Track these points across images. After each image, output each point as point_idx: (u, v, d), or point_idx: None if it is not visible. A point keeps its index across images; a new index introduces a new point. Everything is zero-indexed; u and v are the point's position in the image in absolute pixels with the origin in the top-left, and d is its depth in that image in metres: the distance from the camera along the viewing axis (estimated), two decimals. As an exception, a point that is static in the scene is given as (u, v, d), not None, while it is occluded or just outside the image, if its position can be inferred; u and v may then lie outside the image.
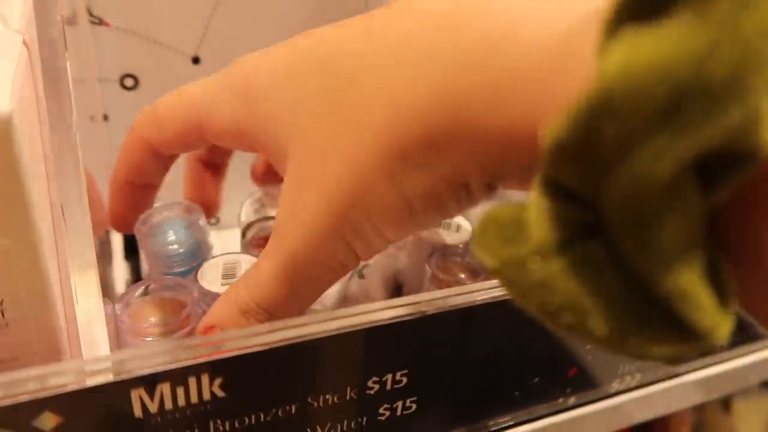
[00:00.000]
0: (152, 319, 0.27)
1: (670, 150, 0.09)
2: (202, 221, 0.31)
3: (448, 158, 0.17)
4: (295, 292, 0.21)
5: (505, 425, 0.31)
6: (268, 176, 0.33)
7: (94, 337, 0.23)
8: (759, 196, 0.11)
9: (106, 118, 0.39)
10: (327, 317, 0.23)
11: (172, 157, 0.28)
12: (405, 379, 0.26)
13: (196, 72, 0.40)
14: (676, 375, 0.37)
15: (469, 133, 0.16)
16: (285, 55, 0.20)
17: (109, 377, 0.20)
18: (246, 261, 0.28)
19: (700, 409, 0.59)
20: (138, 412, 0.21)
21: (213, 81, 0.23)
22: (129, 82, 0.39)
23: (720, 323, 0.11)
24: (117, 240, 0.41)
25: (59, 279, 0.21)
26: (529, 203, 0.13)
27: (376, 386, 0.25)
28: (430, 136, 0.17)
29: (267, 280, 0.20)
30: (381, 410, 0.26)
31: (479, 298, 0.25)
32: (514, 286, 0.13)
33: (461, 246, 0.38)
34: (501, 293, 0.26)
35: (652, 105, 0.09)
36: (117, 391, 0.20)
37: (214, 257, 0.28)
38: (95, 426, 0.21)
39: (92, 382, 0.20)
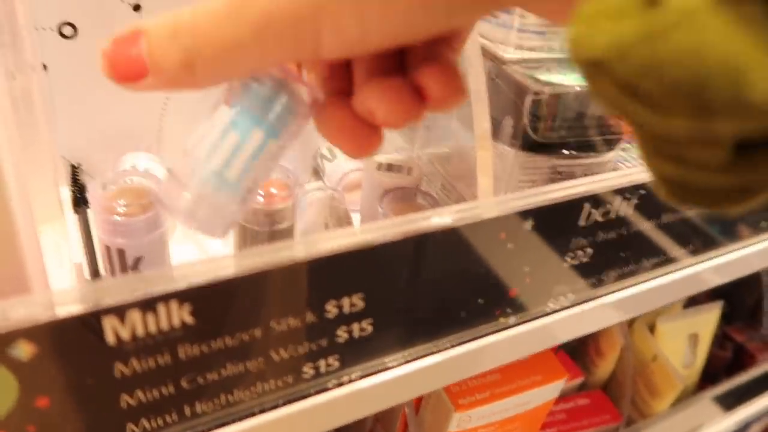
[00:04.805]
0: (121, 201, 0.31)
1: None
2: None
3: None
4: (236, 41, 0.16)
5: (454, 344, 0.34)
6: None
7: (60, 271, 0.24)
8: None
9: (45, 67, 0.38)
10: (288, 245, 0.25)
11: None
12: (361, 303, 0.28)
13: (137, 20, 0.40)
14: (603, 295, 0.40)
15: None
16: None
17: (79, 307, 0.21)
18: None
19: (627, 332, 0.65)
20: (111, 339, 0.22)
21: None
22: (67, 30, 0.38)
23: None
24: (65, 193, 0.40)
25: (22, 212, 0.22)
26: None
27: (335, 310, 0.27)
28: None
29: (213, 15, 0.17)
30: (339, 332, 0.28)
31: (428, 226, 0.28)
32: (642, 64, 0.11)
33: (412, 188, 0.40)
34: (448, 221, 0.28)
35: None
36: (89, 320, 0.21)
37: None
38: (71, 355, 0.22)
39: (64, 312, 0.21)
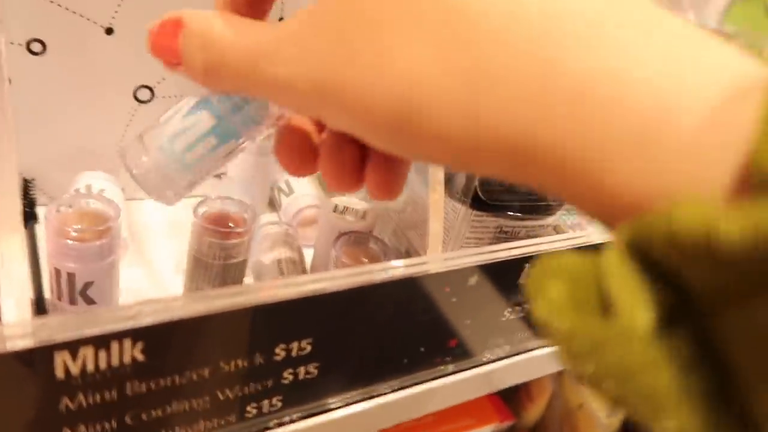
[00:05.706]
0: (77, 225, 0.31)
1: None
2: None
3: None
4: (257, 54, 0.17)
5: (395, 388, 0.35)
6: None
7: (17, 297, 0.24)
8: None
9: (9, 81, 0.38)
10: (240, 291, 0.26)
11: None
12: (309, 347, 0.29)
13: (108, 43, 0.40)
14: (538, 347, 0.43)
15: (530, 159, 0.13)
16: None
17: (32, 341, 0.21)
18: None
19: (557, 379, 0.68)
20: (60, 374, 0.22)
21: None
22: (36, 47, 0.38)
23: None
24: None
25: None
26: (608, 266, 0.11)
27: (283, 353, 0.28)
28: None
29: (249, 29, 0.17)
30: (285, 374, 0.29)
31: (376, 278, 0.29)
32: (582, 357, 0.11)
33: (366, 233, 0.41)
34: (395, 274, 0.30)
35: None
36: (41, 354, 0.21)
37: None
38: (18, 388, 0.22)
39: (14, 345, 0.21)
